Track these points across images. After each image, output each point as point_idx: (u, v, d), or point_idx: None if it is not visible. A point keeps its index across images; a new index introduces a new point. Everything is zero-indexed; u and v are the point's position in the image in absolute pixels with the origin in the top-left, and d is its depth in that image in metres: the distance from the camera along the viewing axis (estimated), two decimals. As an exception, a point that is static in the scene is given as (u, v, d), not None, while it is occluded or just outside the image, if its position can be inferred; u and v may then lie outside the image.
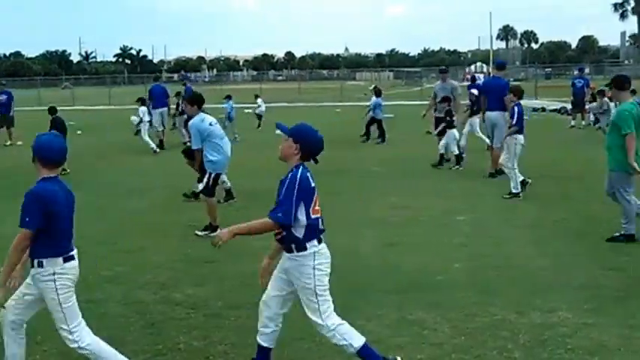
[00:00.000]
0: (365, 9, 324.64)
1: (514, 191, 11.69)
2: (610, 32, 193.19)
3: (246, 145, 20.42)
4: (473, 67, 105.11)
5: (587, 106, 24.60)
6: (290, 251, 4.71)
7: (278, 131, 4.96)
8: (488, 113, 14.45)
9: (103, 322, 5.98)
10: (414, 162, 16.56)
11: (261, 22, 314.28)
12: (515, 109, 11.74)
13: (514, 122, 11.67)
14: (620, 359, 5.17)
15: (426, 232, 9.42)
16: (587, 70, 71.34)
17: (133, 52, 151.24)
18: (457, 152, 15.64)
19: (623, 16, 61.62)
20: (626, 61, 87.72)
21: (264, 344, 4.93)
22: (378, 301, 6.55)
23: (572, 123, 25.21)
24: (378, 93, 22.43)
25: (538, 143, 16.24)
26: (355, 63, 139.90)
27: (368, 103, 23.46)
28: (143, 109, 20.92)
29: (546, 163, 15.41)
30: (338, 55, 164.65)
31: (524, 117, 12.23)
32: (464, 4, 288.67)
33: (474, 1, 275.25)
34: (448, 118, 15.84)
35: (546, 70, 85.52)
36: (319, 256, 4.73)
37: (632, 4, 60.31)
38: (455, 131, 15.81)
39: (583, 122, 25.76)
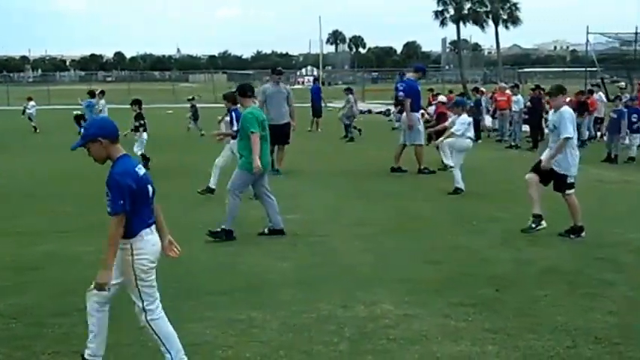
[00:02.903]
0: (196, 10, 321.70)
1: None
2: (432, 39, 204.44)
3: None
4: (304, 70, 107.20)
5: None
6: None
7: None
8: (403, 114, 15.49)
9: None
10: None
11: (88, 22, 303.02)
12: (233, 114, 12.03)
13: (233, 127, 12.07)
14: (437, 347, 5.47)
15: (256, 234, 9.50)
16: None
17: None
18: (142, 152, 15.89)
19: (443, 23, 64.76)
20: (447, 66, 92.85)
21: None
22: (207, 302, 6.55)
23: (396, 125, 26.34)
24: (91, 94, 22.73)
25: (366, 143, 16.85)
26: (188, 65, 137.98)
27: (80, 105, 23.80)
28: None
29: (369, 161, 16.06)
30: (170, 57, 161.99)
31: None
32: (295, 8, 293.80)
33: (305, 5, 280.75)
34: (142, 122, 16.16)
35: (373, 74, 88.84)
36: None
37: (452, 12, 63.65)
38: (145, 135, 16.26)
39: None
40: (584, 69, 51.45)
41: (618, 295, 6.75)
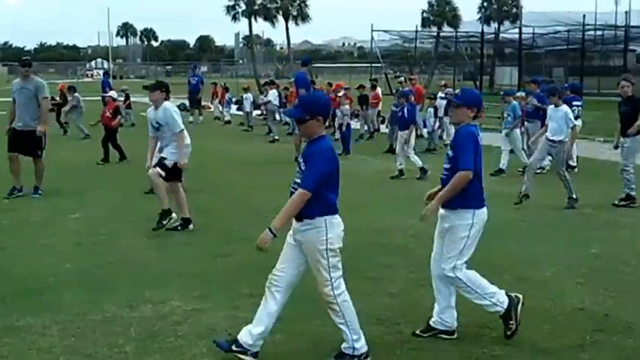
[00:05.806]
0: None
1: None
2: (226, 33, 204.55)
3: None
4: (94, 62, 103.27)
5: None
6: None
7: None
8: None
9: None
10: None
11: None
12: None
13: None
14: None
15: (37, 235, 8.95)
16: (205, 69, 74.53)
17: None
18: None
19: (235, 18, 64.95)
20: (240, 60, 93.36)
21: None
22: (-21, 310, 6.08)
23: (191, 119, 26.07)
24: None
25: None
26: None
27: None
28: None
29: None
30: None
31: None
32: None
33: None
34: None
35: (167, 67, 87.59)
36: None
37: (243, 7, 63.99)
38: None
39: (200, 118, 27.21)
40: (369, 64, 54.15)
41: (399, 277, 7.10)
